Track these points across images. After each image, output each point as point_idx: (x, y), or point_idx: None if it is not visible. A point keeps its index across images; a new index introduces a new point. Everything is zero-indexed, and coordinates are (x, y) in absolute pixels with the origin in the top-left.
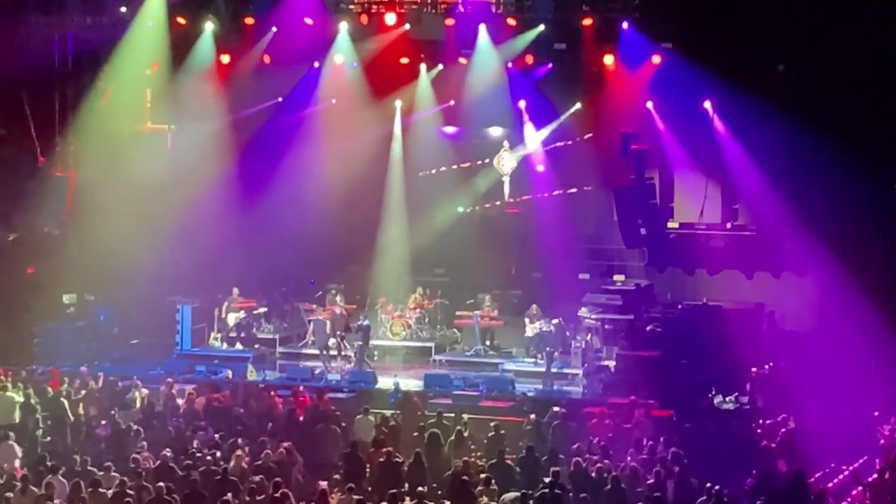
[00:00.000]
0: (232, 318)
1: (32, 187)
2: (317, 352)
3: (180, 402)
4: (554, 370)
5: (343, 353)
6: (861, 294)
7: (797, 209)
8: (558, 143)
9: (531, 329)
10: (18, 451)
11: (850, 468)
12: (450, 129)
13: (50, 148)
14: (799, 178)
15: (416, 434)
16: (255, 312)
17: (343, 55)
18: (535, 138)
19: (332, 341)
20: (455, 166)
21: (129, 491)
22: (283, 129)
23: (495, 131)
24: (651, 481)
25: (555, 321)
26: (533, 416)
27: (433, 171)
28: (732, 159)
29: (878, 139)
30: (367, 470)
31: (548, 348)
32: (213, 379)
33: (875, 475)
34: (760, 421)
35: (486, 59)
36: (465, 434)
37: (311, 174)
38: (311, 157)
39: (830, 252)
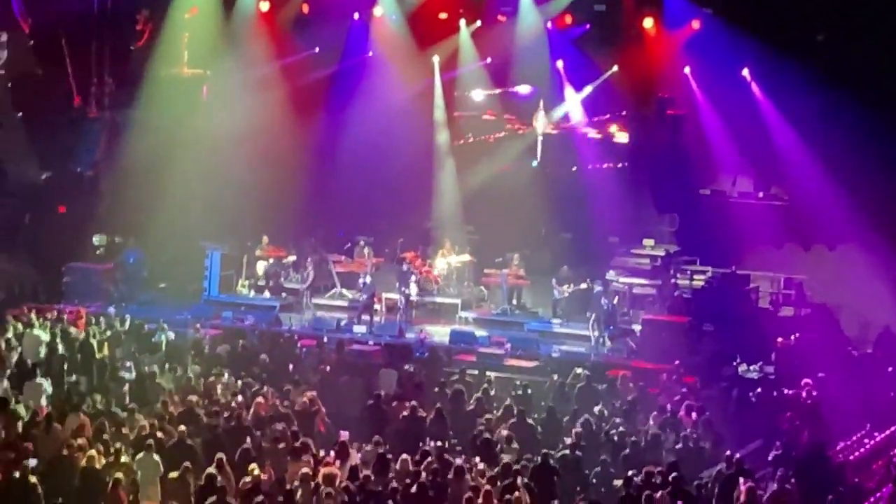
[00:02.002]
0: (260, 267)
1: (67, 128)
2: (342, 303)
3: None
4: (579, 332)
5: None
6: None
7: (833, 180)
8: (594, 105)
9: (559, 291)
10: (47, 388)
11: (873, 441)
12: (524, 89)
13: (86, 89)
14: (836, 149)
15: (437, 390)
16: (283, 262)
17: (384, 8)
18: (572, 99)
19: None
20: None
21: (151, 433)
22: (319, 80)
23: (528, 90)
24: (672, 446)
25: (584, 285)
26: (555, 376)
27: (469, 138)
28: (768, 128)
29: None
30: (392, 423)
31: (592, 314)
32: (240, 326)
33: None
34: (784, 391)
35: (527, 18)
36: (490, 392)
37: (346, 126)
38: (348, 110)
39: (866, 224)
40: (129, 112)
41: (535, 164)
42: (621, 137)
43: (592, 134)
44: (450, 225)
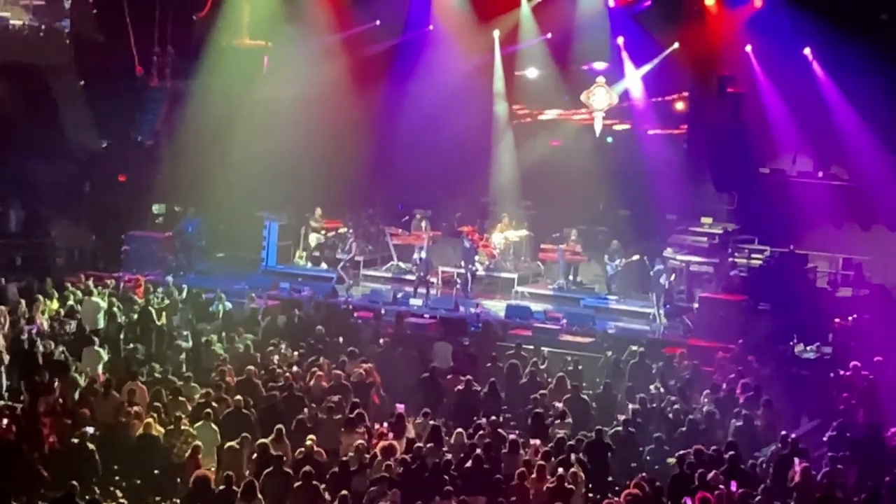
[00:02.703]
0: (313, 239)
1: (128, 96)
2: (400, 276)
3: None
4: (635, 309)
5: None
6: None
7: (894, 162)
8: (654, 82)
9: (611, 266)
10: (104, 355)
11: None
12: (600, 65)
13: (148, 58)
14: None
15: (489, 365)
16: (339, 233)
17: None
18: (633, 75)
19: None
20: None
21: (207, 402)
22: (380, 53)
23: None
24: (727, 425)
25: (635, 257)
26: (610, 352)
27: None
28: (830, 108)
29: None
30: (447, 396)
31: (655, 294)
32: (297, 296)
33: None
34: (840, 372)
35: None
36: (544, 367)
37: (405, 99)
38: (407, 83)
39: None
40: (190, 82)
41: (603, 137)
42: (681, 114)
43: (652, 111)
44: (507, 199)
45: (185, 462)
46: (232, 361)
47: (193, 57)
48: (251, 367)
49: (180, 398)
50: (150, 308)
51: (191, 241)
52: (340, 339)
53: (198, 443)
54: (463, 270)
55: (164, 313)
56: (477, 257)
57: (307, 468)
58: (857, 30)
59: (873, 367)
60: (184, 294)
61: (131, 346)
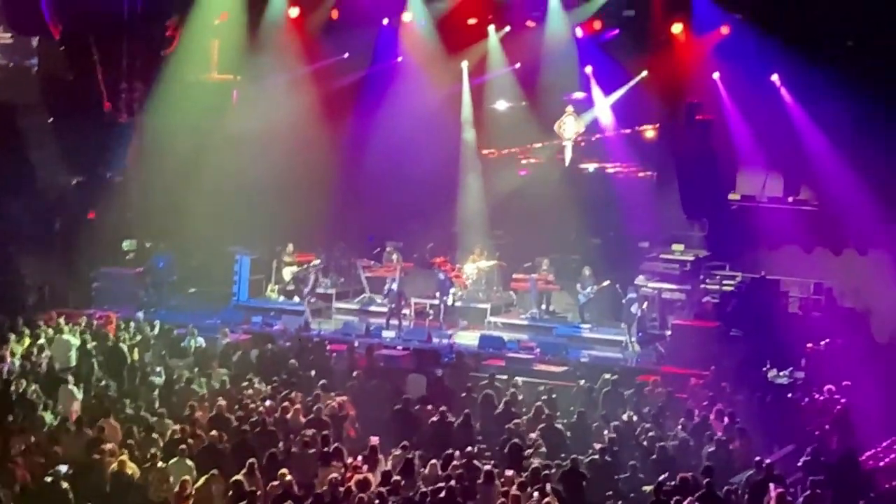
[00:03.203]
0: (287, 273)
1: (97, 133)
2: (371, 308)
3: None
4: (608, 337)
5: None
6: None
7: (864, 185)
8: (623, 106)
9: (583, 294)
10: (78, 394)
11: None
12: (579, 95)
13: (116, 94)
14: (866, 154)
15: (465, 395)
16: (311, 266)
17: (413, 13)
18: (601, 104)
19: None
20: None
21: (181, 438)
22: (349, 86)
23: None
24: (702, 452)
25: (605, 283)
26: (583, 381)
27: (498, 151)
28: (798, 133)
29: None
30: (420, 428)
31: (625, 322)
32: (269, 330)
33: None
34: (814, 397)
35: (556, 24)
36: (518, 397)
37: (375, 131)
38: (377, 115)
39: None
40: (159, 117)
41: (576, 165)
42: (651, 142)
43: (621, 139)
44: (479, 229)
45: (171, 499)
46: (205, 397)
47: (162, 92)
48: (223, 402)
49: (153, 435)
50: (121, 345)
51: (162, 276)
52: (313, 373)
53: (186, 477)
54: (436, 301)
55: (136, 349)
56: (450, 287)
57: (282, 503)
58: (824, 56)
59: (846, 391)
60: (156, 330)
61: (104, 383)
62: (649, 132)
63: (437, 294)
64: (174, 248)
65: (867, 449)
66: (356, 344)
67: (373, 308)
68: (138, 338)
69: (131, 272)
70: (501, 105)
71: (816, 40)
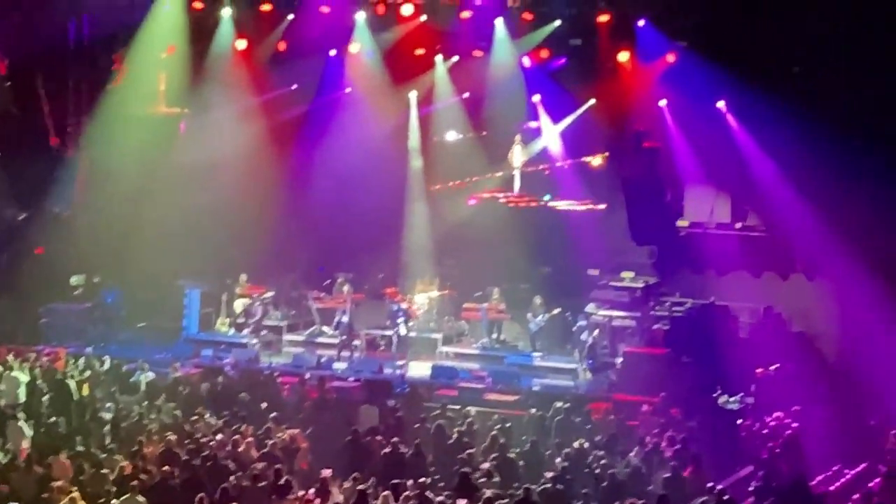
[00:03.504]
0: (239, 305)
1: (44, 168)
2: (322, 340)
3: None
4: (559, 365)
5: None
6: (875, 297)
7: (811, 210)
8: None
9: (535, 323)
10: (27, 431)
11: (853, 472)
12: (534, 123)
13: (63, 129)
14: (813, 179)
15: (418, 425)
16: (263, 299)
17: (360, 44)
18: (549, 133)
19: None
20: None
21: (132, 474)
22: (296, 117)
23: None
24: (655, 479)
25: (556, 311)
26: (534, 410)
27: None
28: (746, 159)
29: (891, 142)
30: (372, 460)
31: (578, 350)
32: (219, 364)
33: (879, 480)
34: (765, 422)
35: (503, 53)
36: (471, 427)
37: (325, 162)
38: (325, 146)
39: (844, 253)
40: (107, 151)
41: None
42: (599, 170)
43: (570, 167)
44: (429, 259)
45: None
46: (156, 432)
47: (109, 126)
48: (172, 437)
49: (103, 471)
50: (68, 380)
51: (111, 311)
52: (265, 406)
53: None
54: (387, 332)
55: (85, 385)
56: (402, 317)
57: None
58: (770, 83)
59: (796, 415)
60: (105, 365)
61: (53, 419)
62: (597, 160)
63: (389, 324)
64: (123, 282)
65: (818, 473)
66: (307, 376)
67: (324, 340)
68: (87, 373)
69: (80, 307)
70: (450, 135)
71: (761, 67)
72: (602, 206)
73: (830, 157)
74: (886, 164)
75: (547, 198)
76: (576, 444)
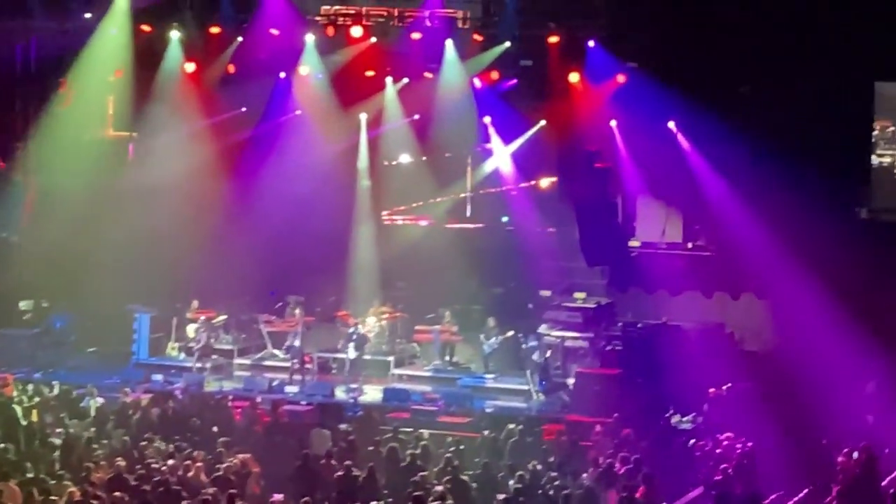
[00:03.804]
0: (191, 330)
1: None
2: (273, 363)
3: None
4: (512, 387)
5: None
6: (825, 315)
7: (760, 229)
8: (524, 156)
9: (488, 345)
10: None
11: (805, 492)
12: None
13: (10, 153)
14: (762, 198)
15: (371, 448)
16: (214, 323)
17: (309, 66)
18: (500, 154)
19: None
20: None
21: (81, 500)
22: (246, 140)
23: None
24: (608, 500)
25: (509, 333)
26: (486, 431)
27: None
28: (696, 178)
29: (839, 161)
30: (324, 483)
31: (529, 371)
32: (170, 388)
33: (831, 499)
34: (718, 441)
35: (453, 74)
36: (424, 450)
37: (273, 185)
38: (274, 169)
39: (792, 273)
40: (54, 175)
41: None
42: (550, 191)
43: (521, 188)
44: (380, 282)
45: None
46: (105, 457)
47: (57, 150)
48: (122, 463)
49: (52, 497)
50: (14, 406)
51: (60, 336)
52: (216, 429)
53: None
54: (339, 355)
55: (34, 411)
56: (354, 342)
57: None
58: (719, 102)
59: (749, 435)
60: (55, 391)
61: (2, 445)
62: (549, 181)
63: (340, 347)
64: (72, 307)
65: (771, 493)
66: (259, 400)
67: (275, 363)
68: (36, 399)
69: (29, 333)
70: (401, 158)
71: (711, 87)
72: (553, 222)
73: (778, 175)
74: (831, 178)
75: (505, 220)
76: (529, 466)
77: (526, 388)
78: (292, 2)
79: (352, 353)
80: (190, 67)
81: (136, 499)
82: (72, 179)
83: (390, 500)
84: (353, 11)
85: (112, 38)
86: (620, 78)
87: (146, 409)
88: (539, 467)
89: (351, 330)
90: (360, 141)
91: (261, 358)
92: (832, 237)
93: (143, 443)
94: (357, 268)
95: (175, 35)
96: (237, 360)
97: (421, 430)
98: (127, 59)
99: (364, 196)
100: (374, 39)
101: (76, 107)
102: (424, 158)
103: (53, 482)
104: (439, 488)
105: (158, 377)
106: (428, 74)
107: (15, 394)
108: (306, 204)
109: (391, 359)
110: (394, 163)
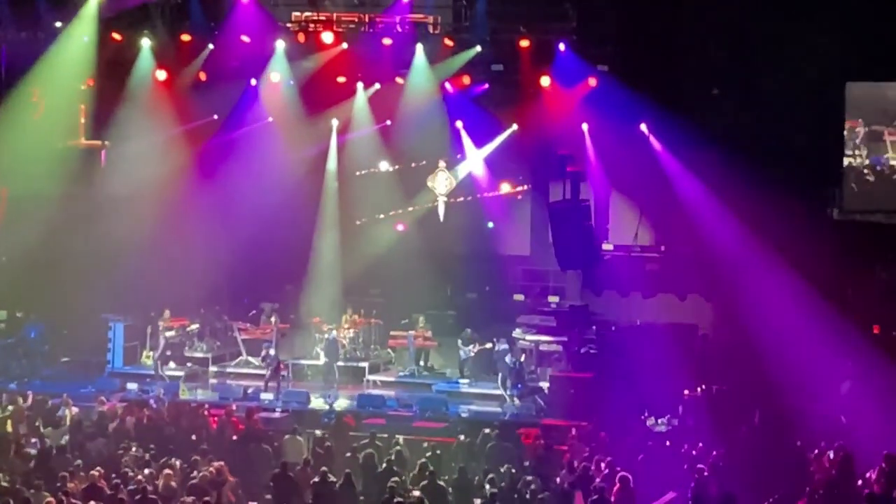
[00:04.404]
0: (163, 338)
1: None
2: (248, 371)
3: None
4: (487, 392)
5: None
6: (797, 316)
7: (732, 231)
8: (496, 160)
9: (465, 351)
10: None
11: (780, 494)
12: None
13: None
14: (733, 200)
15: (348, 455)
16: (187, 331)
17: (280, 73)
18: (471, 158)
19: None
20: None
21: None
22: (218, 147)
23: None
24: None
25: (489, 344)
26: (462, 436)
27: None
28: (668, 181)
29: (811, 162)
30: (300, 490)
31: (500, 373)
32: (145, 397)
33: (806, 499)
34: (693, 443)
35: (423, 79)
36: (400, 456)
37: (246, 192)
38: (247, 175)
39: (765, 274)
40: (26, 184)
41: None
42: (523, 195)
43: (494, 192)
44: (353, 288)
45: None
46: (81, 467)
47: (29, 159)
48: (97, 472)
49: None
50: None
51: (34, 346)
52: (193, 437)
53: None
54: (314, 362)
55: (9, 421)
56: (328, 348)
57: None
58: (690, 104)
59: (723, 436)
60: (29, 401)
61: None
62: (521, 185)
63: (315, 354)
64: (45, 317)
65: (746, 495)
66: (234, 407)
67: (250, 371)
68: (11, 409)
69: (2, 343)
70: (372, 164)
71: (682, 90)
72: (526, 226)
73: (751, 177)
74: (803, 179)
75: (490, 225)
76: (504, 470)
77: (501, 392)
78: (264, 8)
79: (328, 360)
80: (161, 75)
81: None
82: (44, 188)
83: None
84: (323, 17)
85: (83, 46)
86: (591, 81)
87: (121, 418)
88: (514, 471)
89: (325, 336)
90: (331, 148)
91: (236, 365)
92: (804, 238)
93: (119, 451)
94: (332, 275)
95: (146, 43)
96: (212, 368)
97: (396, 436)
98: (98, 67)
99: (334, 203)
100: (345, 45)
101: (48, 116)
102: (397, 165)
103: (32, 492)
104: (416, 494)
105: (133, 386)
106: (399, 80)
107: None
108: (278, 211)
109: (366, 365)
110: (364, 171)
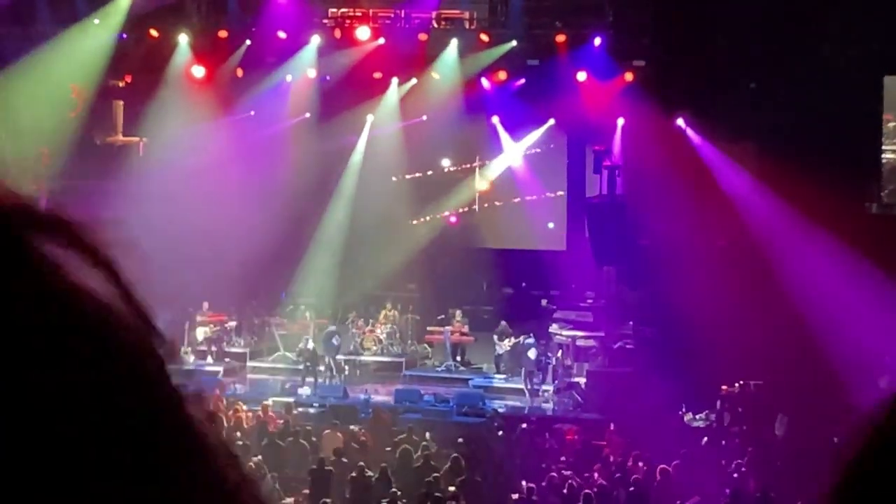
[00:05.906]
0: (200, 333)
1: None
2: (286, 366)
3: None
4: (521, 386)
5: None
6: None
7: (779, 220)
8: (533, 155)
9: (500, 346)
10: None
11: (816, 491)
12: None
13: None
14: (771, 195)
15: (386, 449)
16: (225, 326)
17: (316, 69)
18: (509, 154)
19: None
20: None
21: None
22: (255, 143)
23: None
24: (622, 498)
25: (523, 338)
26: (501, 432)
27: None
28: (708, 173)
29: (849, 156)
30: (338, 485)
31: (524, 367)
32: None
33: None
34: (731, 438)
35: (460, 74)
36: (436, 450)
37: (283, 187)
38: (284, 171)
39: (806, 268)
40: (66, 180)
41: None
42: (559, 189)
43: (531, 187)
44: (391, 284)
45: None
46: None
47: (69, 156)
48: None
49: None
50: None
51: None
52: (229, 434)
53: None
54: (352, 357)
55: None
56: (366, 343)
57: None
58: (727, 98)
59: (761, 433)
60: None
61: None
62: (558, 179)
63: (353, 349)
64: None
65: (783, 490)
66: (271, 403)
67: (287, 366)
68: None
69: None
70: (406, 161)
71: (719, 83)
72: (563, 222)
73: (788, 172)
74: (841, 174)
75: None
76: (542, 465)
77: (538, 388)
78: (301, 2)
79: (365, 355)
80: (199, 71)
81: None
82: (83, 186)
83: (403, 501)
84: (359, 13)
85: (121, 43)
86: (628, 76)
87: None
88: (552, 466)
89: (362, 331)
90: (366, 143)
91: (273, 360)
92: (842, 232)
93: None
94: (371, 270)
95: (183, 39)
96: (249, 363)
97: (433, 431)
98: (136, 63)
99: (372, 201)
100: (381, 41)
101: (86, 112)
102: (433, 159)
103: None
104: (452, 489)
105: None
106: (435, 75)
107: None
108: (315, 208)
109: (402, 360)
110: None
